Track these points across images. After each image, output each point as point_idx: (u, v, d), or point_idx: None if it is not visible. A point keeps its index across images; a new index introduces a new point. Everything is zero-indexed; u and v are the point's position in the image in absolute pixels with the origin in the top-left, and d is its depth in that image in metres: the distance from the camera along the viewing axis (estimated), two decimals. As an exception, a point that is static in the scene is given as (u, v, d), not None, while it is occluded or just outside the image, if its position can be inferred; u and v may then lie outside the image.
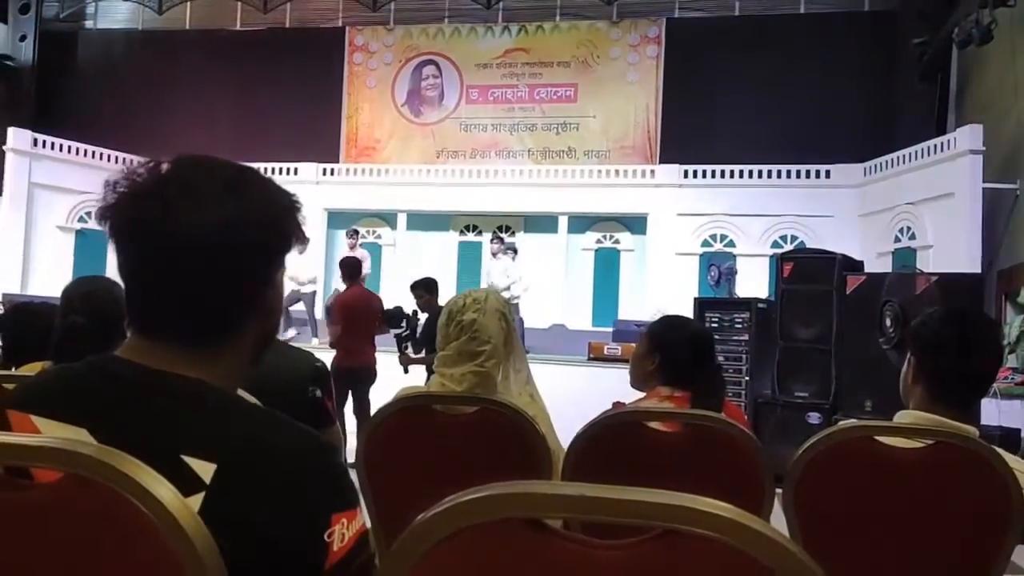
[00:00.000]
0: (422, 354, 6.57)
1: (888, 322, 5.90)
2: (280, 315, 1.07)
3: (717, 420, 1.99)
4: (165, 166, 0.97)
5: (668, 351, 2.35)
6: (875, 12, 14.74)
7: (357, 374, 6.50)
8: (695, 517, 0.71)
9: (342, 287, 7.12)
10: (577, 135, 15.97)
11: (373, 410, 2.14)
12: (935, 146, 11.85)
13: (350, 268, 7.17)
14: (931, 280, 5.99)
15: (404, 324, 6.56)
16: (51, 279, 13.99)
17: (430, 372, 6.00)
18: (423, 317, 6.78)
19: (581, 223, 15.44)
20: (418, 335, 6.62)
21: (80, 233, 15.01)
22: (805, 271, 6.81)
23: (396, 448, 2.06)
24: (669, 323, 2.49)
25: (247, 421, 0.95)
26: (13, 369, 2.69)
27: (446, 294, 3.85)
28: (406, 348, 6.55)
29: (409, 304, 6.88)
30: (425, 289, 6.82)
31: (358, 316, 6.63)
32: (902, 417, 1.87)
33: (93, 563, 0.81)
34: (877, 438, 1.72)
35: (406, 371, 6.36)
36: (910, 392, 1.93)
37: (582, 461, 1.88)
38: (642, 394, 2.40)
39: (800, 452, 1.69)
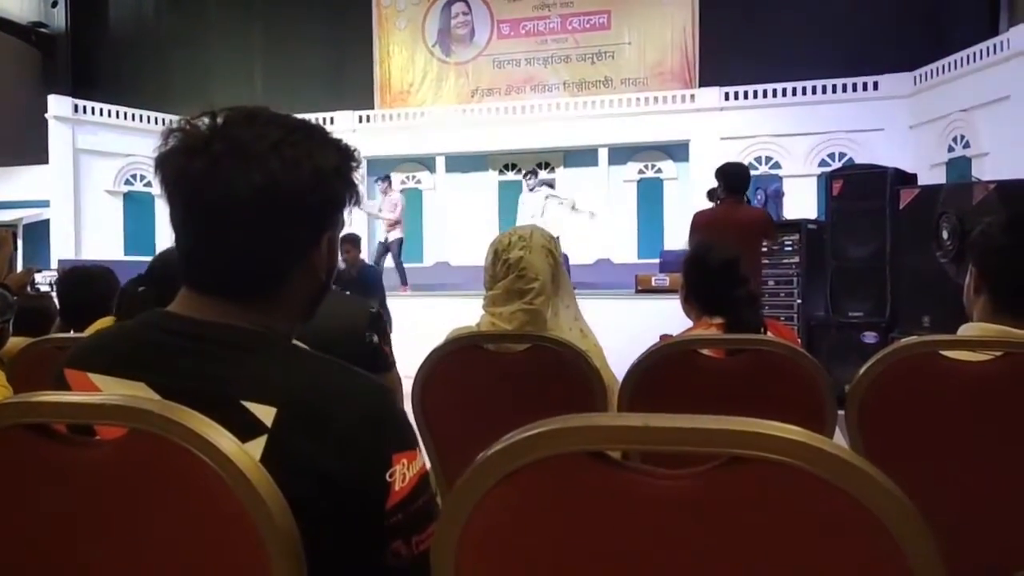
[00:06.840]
0: None
1: (945, 234, 5.72)
2: (333, 272, 1.05)
3: (771, 343, 1.95)
4: (218, 119, 0.96)
5: (689, 280, 2.37)
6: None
7: None
8: (765, 442, 0.69)
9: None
10: (613, 64, 15.62)
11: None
12: (988, 48, 11.36)
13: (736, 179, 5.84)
14: (989, 188, 5.76)
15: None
16: (104, 243, 14.34)
17: None
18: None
19: (621, 154, 15.18)
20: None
21: (128, 196, 15.26)
22: (856, 188, 6.63)
23: (450, 389, 2.06)
24: (691, 251, 2.52)
25: (304, 366, 0.96)
26: (72, 332, 2.76)
27: (489, 234, 3.74)
28: None
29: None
30: (352, 244, 6.79)
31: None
32: (967, 330, 1.81)
33: (159, 515, 0.82)
34: (943, 352, 1.67)
35: None
36: (974, 304, 1.86)
37: (638, 393, 1.86)
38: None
39: (863, 370, 1.64)
